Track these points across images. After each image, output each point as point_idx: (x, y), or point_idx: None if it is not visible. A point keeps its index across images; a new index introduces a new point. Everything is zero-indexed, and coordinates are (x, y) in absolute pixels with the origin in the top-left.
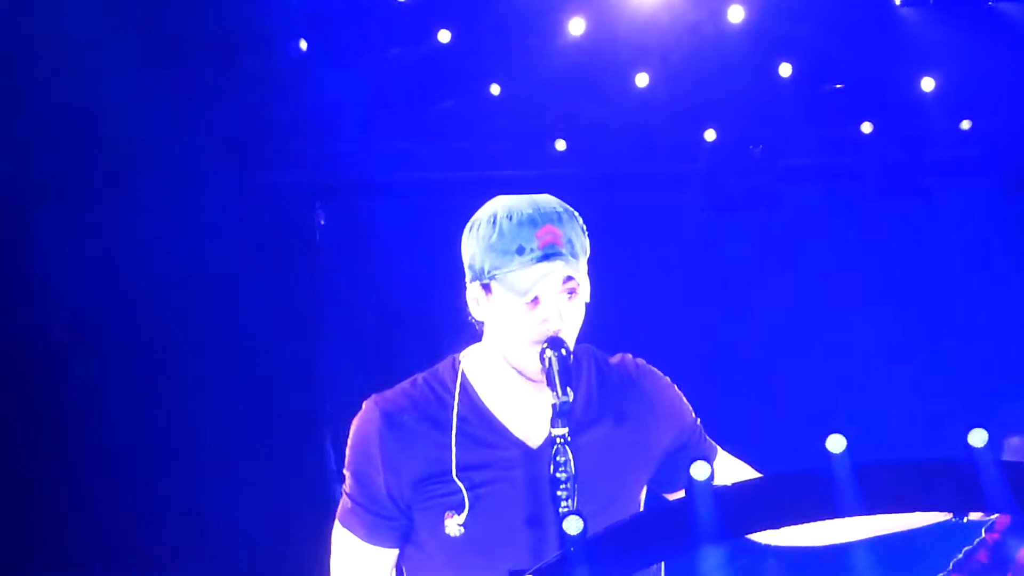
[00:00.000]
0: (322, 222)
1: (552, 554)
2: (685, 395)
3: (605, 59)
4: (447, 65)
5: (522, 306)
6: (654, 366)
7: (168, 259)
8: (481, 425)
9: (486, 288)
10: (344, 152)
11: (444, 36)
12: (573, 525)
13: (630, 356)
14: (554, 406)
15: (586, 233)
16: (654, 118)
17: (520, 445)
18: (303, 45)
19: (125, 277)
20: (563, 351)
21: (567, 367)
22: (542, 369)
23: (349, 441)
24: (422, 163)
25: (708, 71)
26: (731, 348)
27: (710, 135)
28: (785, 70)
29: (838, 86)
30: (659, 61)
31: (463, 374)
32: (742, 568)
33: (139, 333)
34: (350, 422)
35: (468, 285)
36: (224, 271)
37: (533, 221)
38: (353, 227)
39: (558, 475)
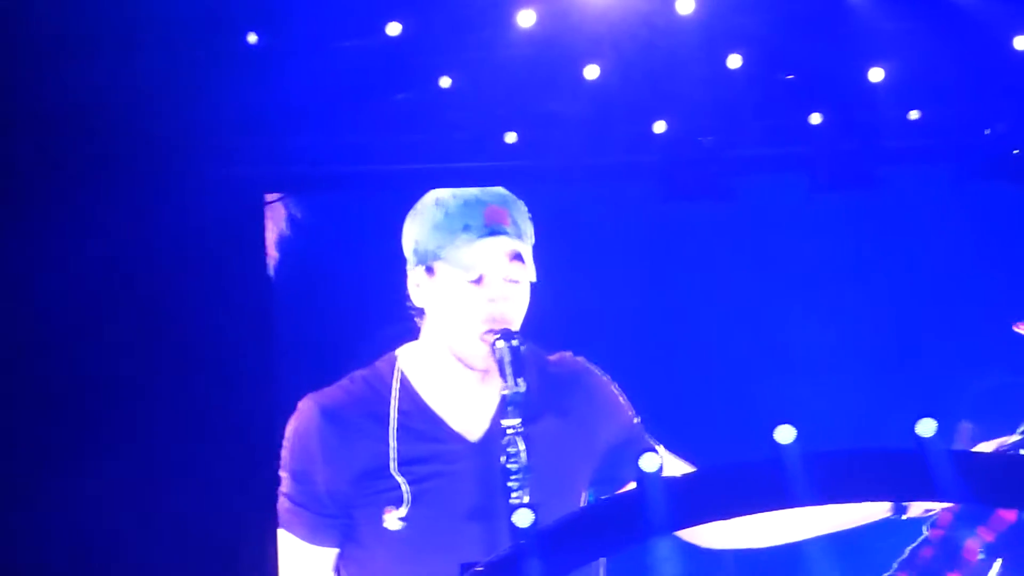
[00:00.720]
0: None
1: (500, 547)
2: (637, 389)
3: (555, 51)
4: (397, 58)
5: (466, 285)
6: (606, 359)
7: (115, 254)
8: (420, 419)
9: (429, 271)
10: (295, 146)
11: (394, 29)
12: (523, 518)
13: (570, 354)
14: (505, 397)
15: (531, 221)
16: (605, 110)
17: (460, 439)
18: (252, 38)
19: (70, 272)
20: (514, 342)
21: (519, 358)
22: (493, 359)
23: (286, 441)
24: (373, 156)
25: (658, 63)
26: (683, 340)
27: (660, 127)
28: (735, 61)
29: (788, 77)
30: (609, 53)
31: (401, 370)
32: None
33: (84, 330)
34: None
35: (410, 272)
36: (173, 266)
37: (479, 201)
38: (304, 221)
39: (509, 466)
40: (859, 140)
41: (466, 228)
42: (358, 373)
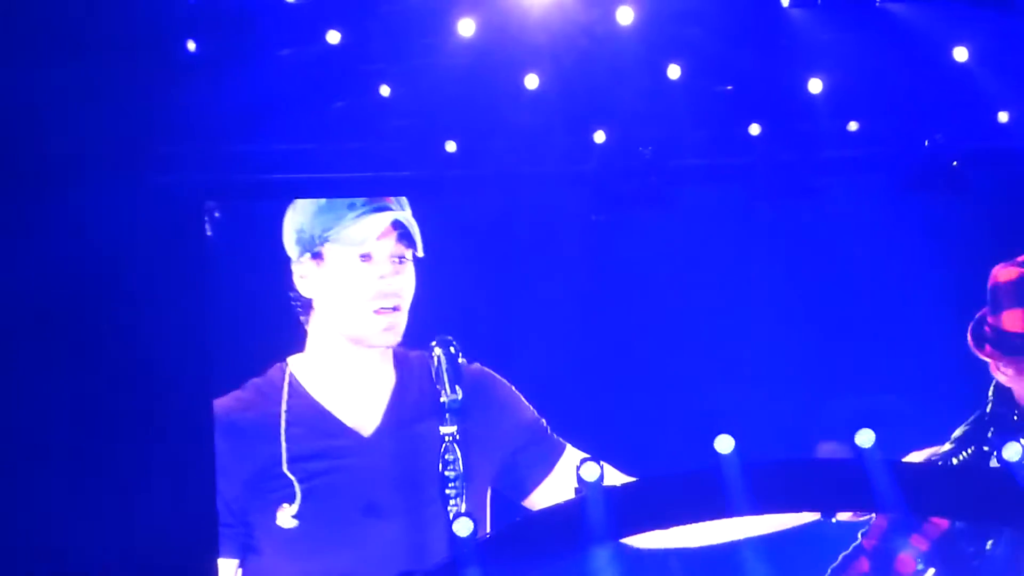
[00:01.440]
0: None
1: (400, 543)
2: (576, 396)
3: (495, 60)
4: (337, 66)
5: (356, 263)
6: (538, 367)
7: (54, 262)
8: (310, 416)
9: (317, 256)
10: (234, 153)
11: (334, 37)
12: (463, 527)
13: (477, 365)
14: (443, 404)
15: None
16: (544, 119)
17: (352, 434)
18: (191, 46)
19: (6, 278)
20: (451, 349)
21: (456, 365)
22: (387, 333)
23: None
24: (313, 164)
25: (598, 73)
26: (619, 349)
27: (600, 136)
28: (675, 72)
29: (727, 88)
30: (549, 62)
31: (291, 373)
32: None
33: (20, 336)
34: None
35: (295, 267)
36: (112, 274)
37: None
38: (244, 229)
39: (447, 473)
40: (798, 151)
41: (351, 206)
42: (251, 381)
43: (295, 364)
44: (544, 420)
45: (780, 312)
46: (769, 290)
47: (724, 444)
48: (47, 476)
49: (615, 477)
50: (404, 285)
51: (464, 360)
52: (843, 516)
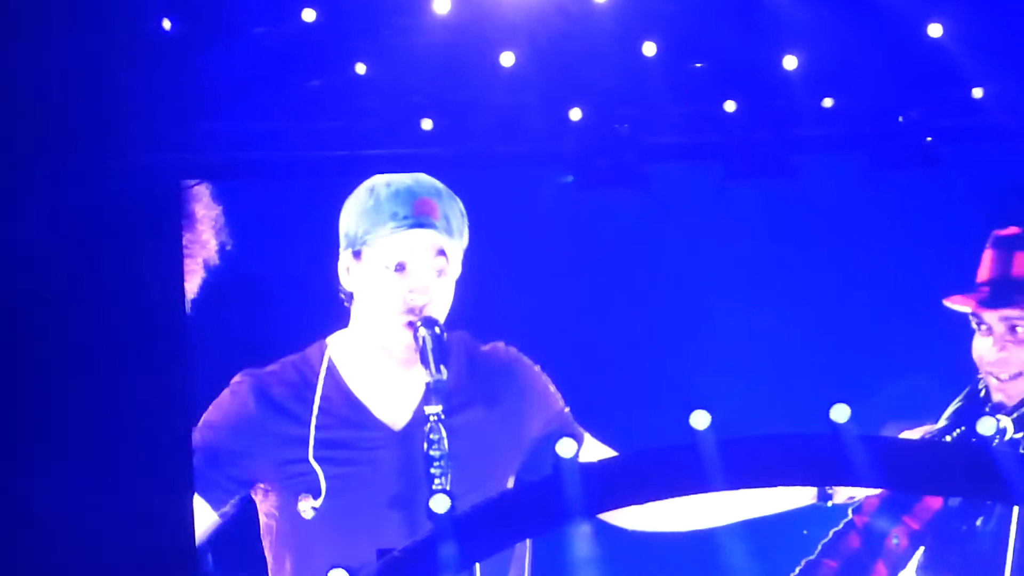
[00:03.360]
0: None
1: (419, 533)
2: (555, 376)
3: (471, 38)
4: (313, 44)
5: (390, 273)
6: (523, 346)
7: (28, 243)
8: (344, 406)
9: (357, 255)
10: (209, 132)
11: (309, 15)
12: (440, 503)
13: (502, 344)
14: (428, 384)
15: (465, 218)
16: (520, 97)
17: (383, 427)
18: (167, 24)
19: None
20: (436, 329)
21: (441, 345)
22: (415, 347)
23: (212, 408)
24: (289, 143)
25: (574, 50)
26: (599, 329)
27: (576, 114)
28: (650, 49)
29: (697, 65)
30: (525, 40)
31: (330, 357)
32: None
33: None
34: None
35: (341, 255)
36: (87, 254)
37: (411, 192)
38: (223, 207)
39: (431, 453)
40: (773, 128)
41: (393, 216)
42: (288, 359)
43: (335, 345)
44: (568, 409)
45: (757, 289)
46: (746, 268)
47: (700, 420)
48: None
49: (601, 455)
50: (434, 303)
51: (447, 336)
52: (839, 498)
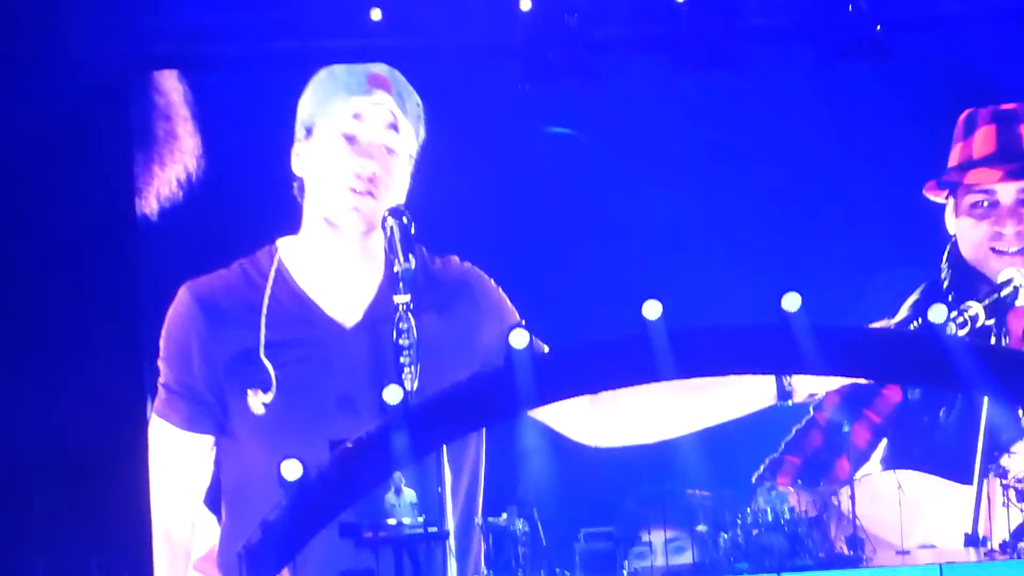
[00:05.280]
0: None
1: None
2: (503, 263)
3: None
4: None
5: (340, 142)
6: (468, 243)
7: None
8: (294, 305)
9: (308, 133)
10: (157, 25)
11: None
12: (393, 394)
13: (456, 258)
14: (396, 274)
15: (421, 108)
16: None
17: (333, 324)
18: None
19: None
20: (404, 219)
21: (408, 235)
22: (361, 221)
23: (163, 330)
24: (241, 34)
25: None
26: (547, 218)
27: (526, 4)
28: None
29: None
30: None
31: (280, 259)
32: None
33: None
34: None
35: (295, 144)
36: (40, 146)
37: (366, 69)
38: (172, 99)
39: (401, 342)
40: (722, 18)
41: (347, 86)
42: (238, 262)
43: (285, 248)
44: (524, 323)
45: (710, 182)
46: (698, 160)
47: (652, 310)
48: None
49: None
50: (386, 174)
51: (414, 229)
52: (799, 398)
